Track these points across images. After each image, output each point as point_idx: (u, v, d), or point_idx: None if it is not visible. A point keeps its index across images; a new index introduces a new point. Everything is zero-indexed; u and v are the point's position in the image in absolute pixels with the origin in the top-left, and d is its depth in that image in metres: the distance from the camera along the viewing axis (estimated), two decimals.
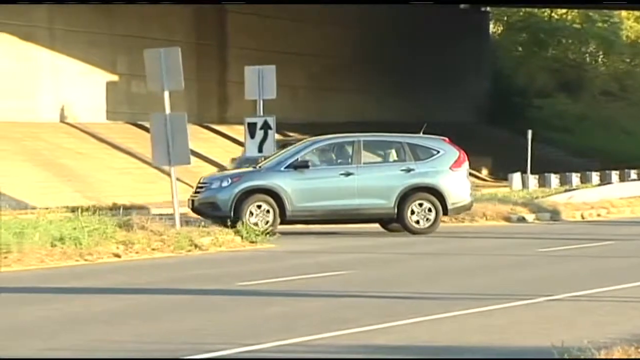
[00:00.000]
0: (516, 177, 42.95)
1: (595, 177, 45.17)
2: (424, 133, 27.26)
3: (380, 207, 25.72)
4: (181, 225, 23.47)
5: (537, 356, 10.22)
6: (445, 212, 25.95)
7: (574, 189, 38.50)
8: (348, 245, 23.76)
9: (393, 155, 26.55)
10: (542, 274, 17.90)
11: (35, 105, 42.07)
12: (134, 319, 13.41)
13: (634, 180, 42.55)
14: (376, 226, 26.83)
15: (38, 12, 42.07)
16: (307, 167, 25.76)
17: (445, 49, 58.37)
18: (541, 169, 44.93)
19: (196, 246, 22.19)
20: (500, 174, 49.78)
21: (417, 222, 25.66)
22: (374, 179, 25.92)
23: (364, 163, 26.07)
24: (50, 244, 20.19)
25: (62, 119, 42.84)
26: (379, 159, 26.59)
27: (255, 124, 29.31)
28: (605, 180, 43.56)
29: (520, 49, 69.44)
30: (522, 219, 30.64)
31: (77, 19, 43.08)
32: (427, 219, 25.68)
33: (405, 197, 25.64)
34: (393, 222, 26.09)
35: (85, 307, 14.58)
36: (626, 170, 46.02)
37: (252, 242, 23.14)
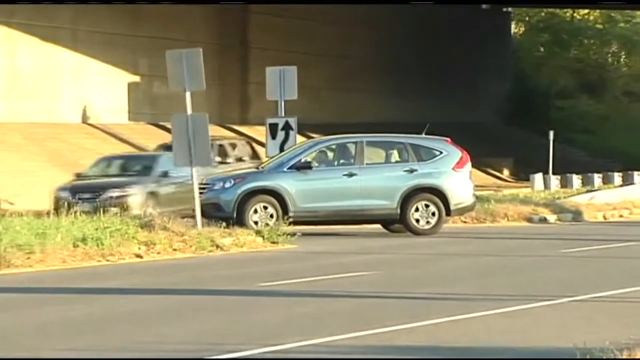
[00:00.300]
0: (538, 177, 42.87)
1: (617, 178, 45.06)
2: (426, 134, 27.23)
3: (383, 208, 25.69)
4: (202, 226, 23.51)
5: (559, 356, 10.20)
6: (448, 213, 25.92)
7: (595, 190, 38.43)
8: (369, 245, 23.76)
9: (396, 155, 26.54)
10: (564, 275, 17.88)
11: (58, 107, 42.17)
12: (157, 320, 13.43)
13: None
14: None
15: (61, 14, 42.17)
16: (310, 168, 25.77)
17: (467, 50, 58.29)
18: (563, 170, 44.86)
19: (218, 247, 22.21)
20: (521, 175, 49.71)
21: (419, 222, 25.63)
22: (377, 179, 25.90)
23: (367, 164, 26.07)
24: (73, 245, 20.24)
25: (84, 120, 42.93)
26: (382, 160, 26.57)
27: (276, 124, 29.34)
28: (627, 181, 43.43)
29: (542, 49, 69.29)
30: (544, 220, 30.60)
31: (99, 20, 43.17)
32: (430, 220, 25.67)
33: (408, 197, 25.61)
34: (396, 223, 26.04)
35: (108, 308, 14.61)
36: None
37: (274, 242, 23.16)
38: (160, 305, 14.77)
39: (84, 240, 20.45)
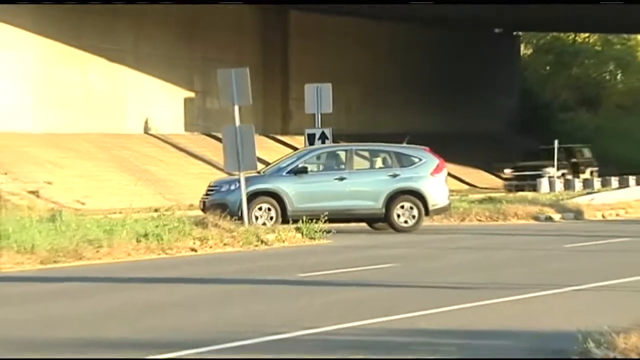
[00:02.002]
0: (544, 181, 42.73)
1: (614, 181, 44.85)
2: (407, 142, 27.24)
3: (369, 208, 25.68)
4: (249, 224, 23.50)
5: (564, 339, 10.11)
6: (427, 213, 25.98)
7: (595, 192, 38.25)
8: (391, 241, 23.68)
9: (381, 162, 26.55)
10: (568, 267, 17.78)
11: (123, 119, 42.33)
12: (209, 305, 13.42)
13: None
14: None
15: (126, 38, 42.35)
16: (305, 172, 25.77)
17: (482, 68, 58.23)
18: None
19: (262, 242, 22.21)
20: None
21: (402, 221, 25.62)
22: (365, 183, 25.92)
23: (356, 169, 26.10)
24: (136, 240, 20.29)
25: (146, 131, 43.08)
26: (369, 166, 26.56)
27: (314, 134, 29.36)
28: (623, 184, 43.22)
29: (547, 68, 69.23)
30: (550, 218, 30.48)
31: (159, 44, 43.31)
32: (411, 219, 25.67)
33: (391, 199, 25.65)
34: (381, 221, 26.01)
35: (165, 295, 14.62)
36: None
37: (312, 238, 23.14)
38: (211, 293, 14.77)
39: (145, 236, 20.49)
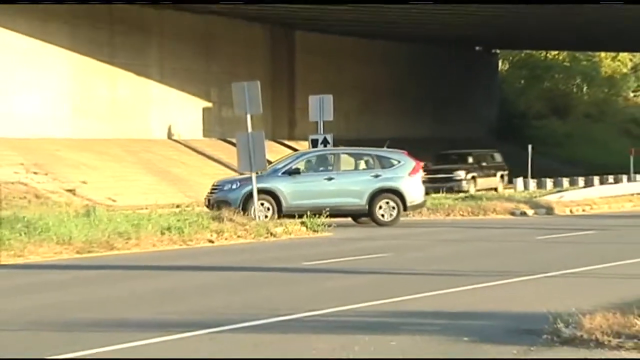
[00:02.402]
0: (519, 181, 42.67)
1: (580, 181, 44.77)
2: (388, 147, 27.29)
3: (355, 205, 25.65)
4: (258, 219, 23.47)
5: (536, 319, 10.12)
6: (405, 209, 25.97)
7: (564, 190, 38.19)
8: (388, 233, 23.68)
9: (364, 164, 26.50)
10: (540, 256, 17.77)
11: (148, 126, 42.33)
12: (223, 290, 13.43)
13: (611, 183, 42.16)
14: (403, 220, 26.68)
15: (151, 55, 42.36)
16: (298, 173, 25.71)
17: (464, 81, 58.21)
18: (538, 175, 44.60)
19: (272, 234, 22.20)
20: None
21: (383, 216, 25.61)
22: (350, 182, 25.87)
23: (342, 170, 26.06)
24: (160, 232, 20.29)
25: (169, 137, 43.06)
26: (354, 167, 26.53)
27: (317, 139, 29.34)
28: (588, 184, 43.17)
29: (521, 81, 69.18)
30: (524, 214, 30.45)
31: (180, 59, 43.31)
32: (391, 214, 25.66)
33: (374, 197, 25.64)
34: (364, 216, 25.98)
35: (186, 281, 14.63)
36: (604, 176, 45.61)
37: (315, 231, 23.12)
38: (227, 279, 14.77)
39: (169, 229, 20.49)
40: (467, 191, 39.37)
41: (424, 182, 27.07)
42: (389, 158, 26.26)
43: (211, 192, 25.85)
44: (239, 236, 21.55)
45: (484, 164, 43.77)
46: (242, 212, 23.67)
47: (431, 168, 39.58)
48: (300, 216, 23.58)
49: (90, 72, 40.13)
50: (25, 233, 18.60)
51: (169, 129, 43.24)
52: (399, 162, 26.07)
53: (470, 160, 43.20)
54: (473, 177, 42.16)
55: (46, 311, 11.51)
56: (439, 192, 35.44)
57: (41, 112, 38.39)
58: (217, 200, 24.79)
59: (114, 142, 39.67)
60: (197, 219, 21.43)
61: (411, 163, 26.19)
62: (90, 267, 16.47)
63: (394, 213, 25.66)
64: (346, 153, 26.80)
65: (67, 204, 25.34)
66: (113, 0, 39.11)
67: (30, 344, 9.40)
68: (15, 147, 35.34)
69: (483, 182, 42.25)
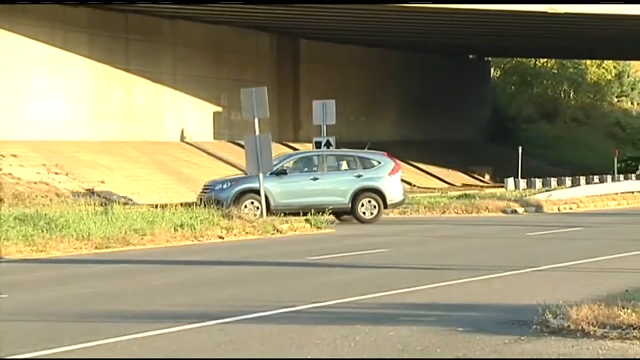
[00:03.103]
0: (510, 181, 42.63)
1: (567, 181, 44.73)
2: (368, 149, 27.30)
3: (338, 203, 25.60)
4: (266, 216, 23.46)
5: (526, 311, 10.10)
6: (385, 207, 25.93)
7: (552, 190, 38.16)
8: (387, 230, 23.67)
9: (347, 165, 26.47)
10: (529, 251, 17.75)
11: (162, 129, 42.33)
12: (232, 283, 13.41)
13: (596, 183, 42.11)
14: (401, 217, 26.66)
15: (165, 62, 42.37)
16: (285, 173, 25.63)
17: (459, 87, 58.20)
18: (528, 175, 44.56)
19: (278, 230, 22.18)
20: (498, 179, 49.47)
21: (365, 214, 25.57)
22: (334, 182, 25.82)
23: (327, 171, 26.00)
24: (173, 229, 20.28)
25: (181, 139, 43.07)
26: (338, 168, 26.49)
27: (320, 142, 29.34)
28: (575, 183, 43.13)
29: (512, 87, 69.17)
30: (515, 212, 30.42)
31: (192, 67, 43.33)
32: (372, 212, 25.64)
33: (356, 195, 25.61)
34: (347, 214, 25.91)
35: (197, 275, 14.62)
36: (590, 176, 45.57)
37: (318, 227, 23.10)
38: (235, 273, 14.76)
39: (181, 226, 20.49)
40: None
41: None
42: (370, 159, 26.30)
43: (203, 192, 25.77)
44: (247, 233, 21.54)
45: None
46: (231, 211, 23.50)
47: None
48: (286, 215, 23.47)
49: (108, 78, 40.17)
50: (46, 229, 18.61)
51: (182, 132, 43.25)
52: (380, 163, 26.12)
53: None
54: None
55: (66, 303, 11.50)
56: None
57: (61, 116, 38.44)
58: (209, 200, 24.66)
59: (130, 144, 39.69)
60: (208, 217, 21.42)
61: (391, 164, 26.25)
62: (108, 262, 16.47)
63: (375, 211, 25.66)
64: (330, 154, 26.84)
65: (86, 202, 25.27)
66: (110, 1, 39.08)
67: (50, 334, 9.40)
68: (37, 149, 35.37)
69: None
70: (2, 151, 35.05)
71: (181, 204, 23.27)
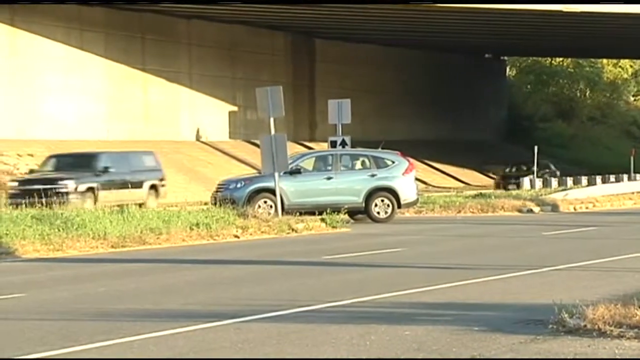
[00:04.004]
0: (526, 180, 42.57)
1: (584, 180, 44.61)
2: (382, 148, 27.29)
3: (352, 202, 25.55)
4: (282, 215, 23.46)
5: (542, 310, 10.08)
6: (399, 206, 25.85)
7: (568, 189, 38.05)
8: (402, 229, 23.64)
9: (361, 164, 26.42)
10: (545, 250, 17.71)
11: (178, 128, 42.42)
12: (248, 282, 13.43)
13: (613, 182, 41.98)
14: (416, 216, 26.63)
15: (181, 62, 42.47)
16: (299, 172, 25.60)
17: (475, 86, 58.08)
18: (544, 174, 44.45)
19: (293, 230, 22.19)
20: None
21: (379, 213, 25.51)
22: (348, 181, 25.79)
23: (341, 170, 25.96)
24: (189, 228, 20.32)
25: (197, 138, 43.16)
26: (352, 167, 26.45)
27: (335, 141, 29.33)
28: (591, 183, 43.00)
29: (528, 86, 69.02)
30: (531, 211, 30.34)
31: (208, 67, 43.40)
32: (386, 211, 25.57)
33: (370, 195, 25.56)
34: (361, 213, 25.85)
35: (213, 274, 14.64)
36: (607, 175, 45.45)
37: (334, 227, 23.10)
38: (251, 272, 14.78)
39: (197, 225, 20.52)
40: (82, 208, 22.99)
41: (13, 195, 24.39)
42: (384, 158, 26.27)
43: (217, 191, 25.80)
44: (262, 232, 21.55)
45: (112, 169, 27.77)
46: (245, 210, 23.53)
47: (25, 178, 28.35)
48: (302, 214, 23.46)
49: (124, 78, 40.28)
50: (63, 229, 18.68)
51: (197, 131, 43.33)
52: (394, 162, 26.08)
53: (100, 164, 27.83)
54: (90, 189, 26.90)
55: (83, 302, 11.54)
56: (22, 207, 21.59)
57: (77, 116, 38.53)
58: (223, 199, 24.69)
59: (145, 143, 39.76)
60: (224, 216, 21.45)
61: (404, 163, 26.20)
62: (124, 261, 16.51)
63: (389, 210, 25.60)
64: (344, 154, 26.82)
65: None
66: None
67: (68, 332, 9.43)
68: (54, 148, 35.46)
69: (110, 196, 26.86)
70: (18, 150, 35.16)
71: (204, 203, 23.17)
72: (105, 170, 27.19)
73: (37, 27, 36.77)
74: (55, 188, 25.15)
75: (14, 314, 10.68)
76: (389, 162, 26.05)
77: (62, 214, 19.72)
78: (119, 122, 39.73)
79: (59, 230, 18.55)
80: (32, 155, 34.76)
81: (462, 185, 48.53)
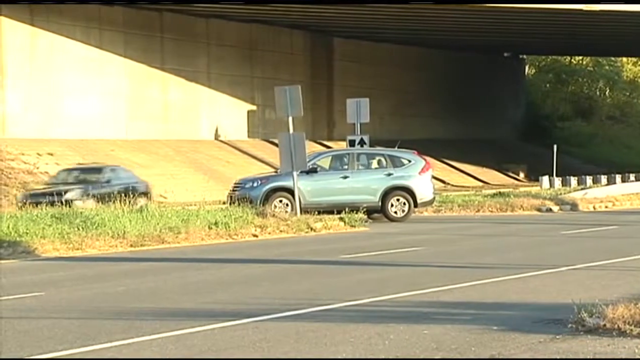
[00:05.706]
0: (545, 179, 42.46)
1: (603, 179, 44.44)
2: (398, 147, 27.24)
3: (368, 202, 25.49)
4: (300, 214, 23.45)
5: (561, 310, 10.04)
6: (416, 205, 25.80)
7: (587, 188, 37.92)
8: (421, 228, 23.61)
9: (377, 163, 26.36)
10: (564, 250, 17.64)
11: (196, 128, 42.48)
12: (266, 281, 13.43)
13: (632, 181, 41.80)
14: (435, 215, 26.55)
15: (200, 61, 42.53)
16: (316, 171, 25.57)
17: (493, 85, 57.93)
18: (563, 174, 44.33)
19: (311, 229, 22.19)
20: (533, 177, 49.25)
21: (396, 212, 25.44)
22: (364, 180, 25.74)
23: (357, 169, 25.89)
24: (208, 227, 20.35)
25: (216, 137, 43.22)
26: (368, 166, 26.40)
27: (354, 140, 29.32)
28: (610, 182, 42.84)
29: (547, 85, 68.79)
30: (550, 210, 30.25)
31: (227, 66, 43.45)
32: (403, 210, 25.52)
33: (386, 194, 25.50)
34: (377, 212, 25.81)
35: (232, 273, 14.65)
36: (626, 174, 45.26)
37: (352, 226, 23.08)
38: (270, 271, 14.78)
39: (216, 224, 20.54)
40: None
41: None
42: (401, 157, 26.22)
43: (233, 190, 25.81)
44: (281, 231, 21.56)
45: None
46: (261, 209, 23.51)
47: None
48: (320, 213, 23.42)
49: (143, 77, 40.37)
50: (83, 228, 18.74)
51: (216, 130, 43.39)
52: (410, 161, 26.02)
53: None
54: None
55: (102, 300, 11.57)
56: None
57: (97, 115, 38.66)
58: (239, 197, 24.69)
59: (165, 142, 39.87)
60: (242, 215, 21.46)
61: (421, 162, 26.13)
62: (143, 260, 16.54)
63: (405, 209, 25.55)
64: (361, 153, 26.79)
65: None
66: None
67: (87, 331, 9.46)
68: (74, 147, 35.62)
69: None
70: (38, 149, 35.32)
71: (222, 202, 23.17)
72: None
73: (57, 27, 36.90)
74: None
75: (34, 312, 10.72)
76: (405, 161, 26.01)
77: (81, 212, 19.78)
78: (138, 122, 39.83)
79: (78, 229, 18.61)
80: (52, 155, 34.90)
81: (480, 184, 48.45)
